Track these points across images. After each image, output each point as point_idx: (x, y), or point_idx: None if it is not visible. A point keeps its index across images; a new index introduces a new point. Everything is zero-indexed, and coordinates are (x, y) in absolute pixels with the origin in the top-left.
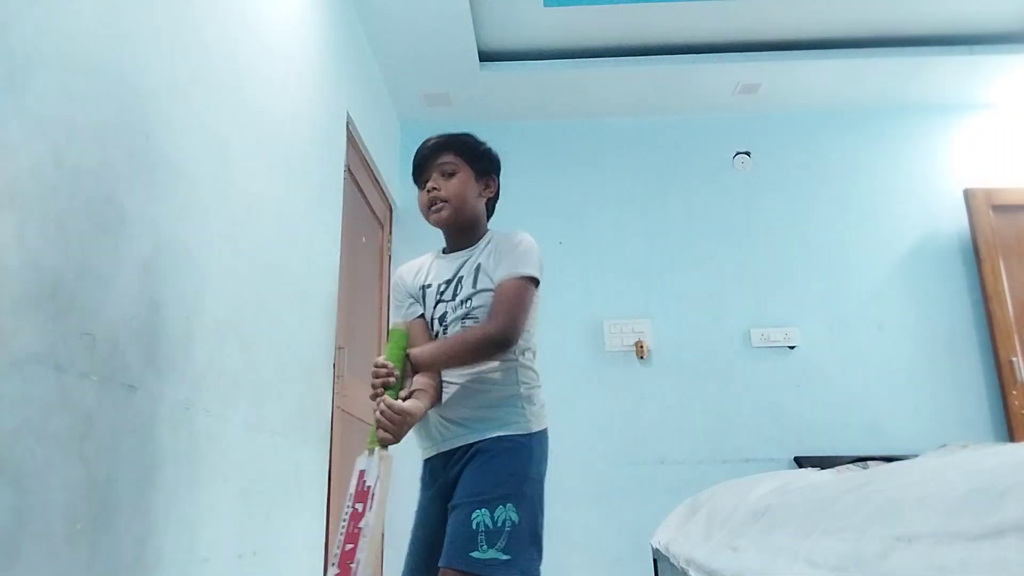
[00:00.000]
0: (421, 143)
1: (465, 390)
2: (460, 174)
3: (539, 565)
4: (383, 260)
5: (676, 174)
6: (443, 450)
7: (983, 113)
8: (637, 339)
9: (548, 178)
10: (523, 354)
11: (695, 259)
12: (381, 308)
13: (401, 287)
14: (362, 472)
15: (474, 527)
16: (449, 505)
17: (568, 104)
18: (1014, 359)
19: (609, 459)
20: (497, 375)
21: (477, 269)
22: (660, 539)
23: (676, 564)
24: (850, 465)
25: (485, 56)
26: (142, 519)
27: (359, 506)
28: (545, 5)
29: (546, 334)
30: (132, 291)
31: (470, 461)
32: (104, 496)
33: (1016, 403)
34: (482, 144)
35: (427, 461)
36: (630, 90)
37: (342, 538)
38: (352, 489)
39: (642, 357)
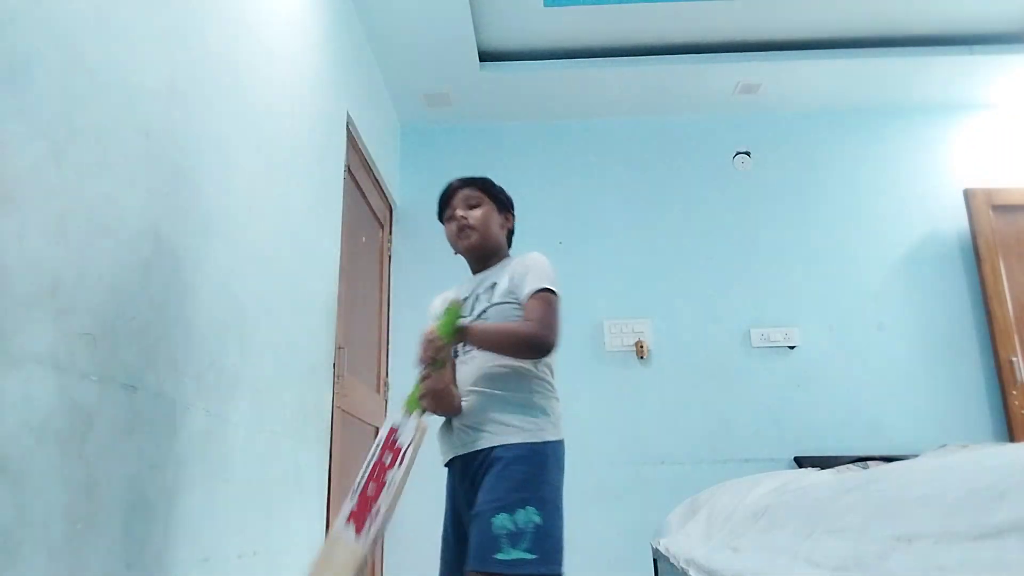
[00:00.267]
0: (447, 184)
1: (484, 397)
2: (484, 206)
3: (562, 569)
4: (383, 260)
5: (676, 174)
6: (460, 453)
7: (983, 113)
8: (637, 339)
9: (548, 178)
10: (540, 366)
11: (695, 259)
12: (381, 308)
13: (432, 313)
14: (394, 428)
15: (495, 531)
16: (471, 514)
17: (568, 104)
18: (1014, 359)
19: (609, 459)
20: (515, 384)
21: (492, 286)
22: (660, 539)
23: (676, 564)
24: (850, 465)
25: (485, 56)
26: (142, 519)
27: (388, 457)
28: (545, 5)
29: None
30: (132, 291)
31: (489, 468)
32: (104, 496)
33: (1016, 403)
34: (498, 185)
35: (448, 466)
36: (630, 90)
37: (362, 478)
38: (380, 439)
39: (642, 357)
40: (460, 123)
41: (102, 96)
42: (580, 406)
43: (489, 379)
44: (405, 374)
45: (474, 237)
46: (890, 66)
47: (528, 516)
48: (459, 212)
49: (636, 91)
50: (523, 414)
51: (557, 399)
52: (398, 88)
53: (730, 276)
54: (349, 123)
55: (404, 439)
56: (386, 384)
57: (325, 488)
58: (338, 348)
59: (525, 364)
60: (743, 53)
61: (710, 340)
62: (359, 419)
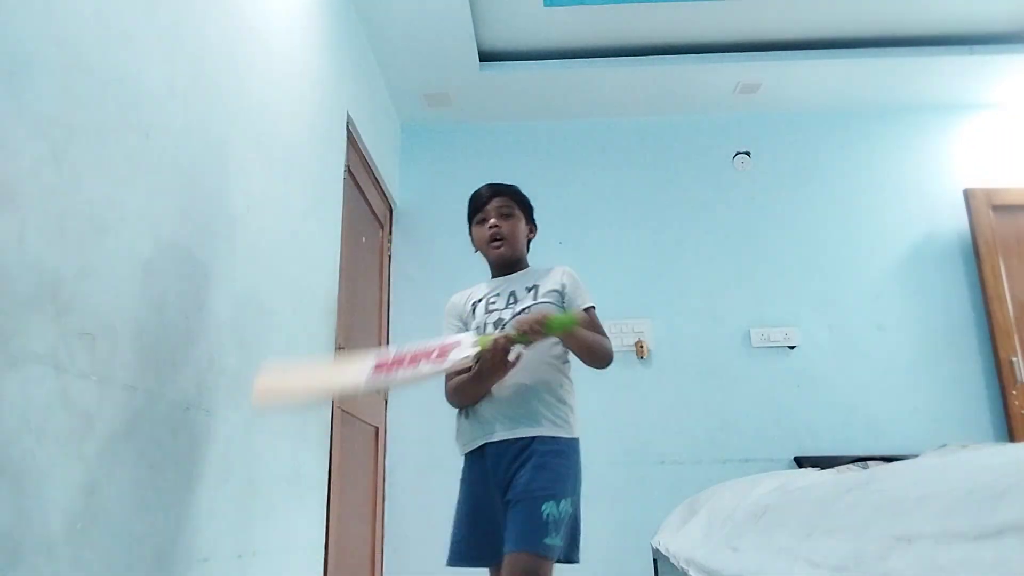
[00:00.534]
0: (478, 189)
1: (528, 389)
2: (515, 216)
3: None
4: (383, 260)
5: (676, 174)
6: (493, 440)
7: (983, 113)
8: (637, 339)
9: (548, 178)
10: (568, 367)
11: (695, 259)
12: (381, 308)
13: (453, 311)
14: (457, 343)
15: (544, 517)
16: (509, 497)
17: (568, 104)
18: (1014, 359)
19: (609, 459)
20: (556, 381)
21: (536, 288)
22: (660, 539)
23: (676, 564)
24: (850, 465)
25: (485, 56)
26: (142, 519)
27: (434, 354)
28: (545, 5)
29: None
30: (132, 291)
31: (528, 459)
32: (104, 496)
33: (1016, 403)
34: (526, 196)
35: (475, 452)
36: (630, 90)
37: (405, 350)
38: (440, 341)
39: (642, 357)
40: (460, 123)
41: (102, 96)
42: (580, 406)
43: (534, 373)
44: None
45: (504, 247)
46: (890, 66)
47: (565, 507)
48: (493, 220)
49: (636, 91)
50: (560, 410)
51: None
52: (398, 88)
53: (730, 276)
54: (349, 123)
55: (456, 353)
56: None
57: (325, 488)
58: (338, 348)
59: (564, 360)
60: (743, 53)
61: (710, 340)
62: (359, 419)
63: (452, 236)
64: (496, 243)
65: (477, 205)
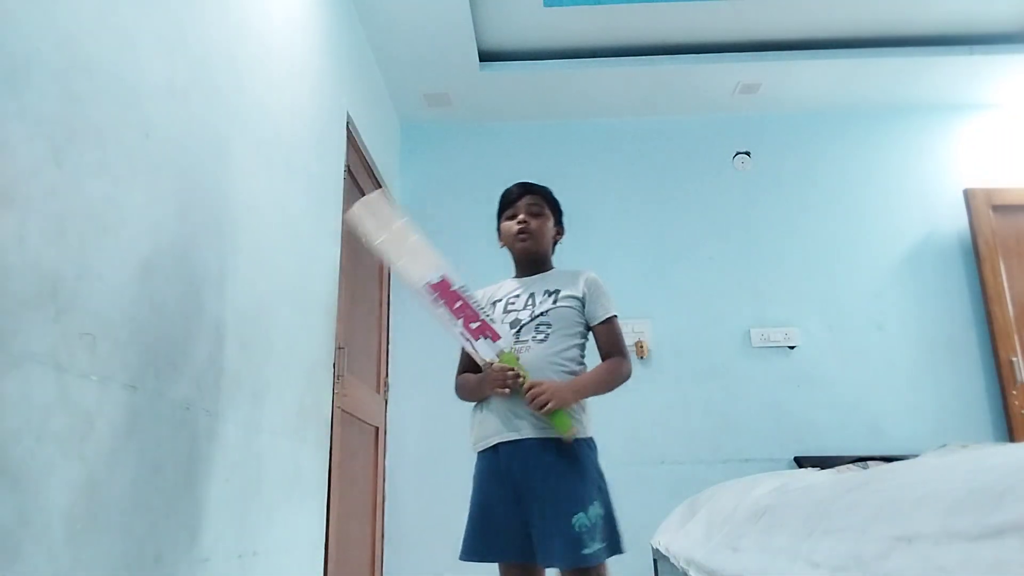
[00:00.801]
0: (512, 186)
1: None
2: (544, 216)
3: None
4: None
5: (676, 174)
6: (507, 440)
7: (983, 113)
8: (637, 339)
9: (548, 178)
10: (583, 367)
11: (695, 259)
12: (381, 308)
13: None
14: (493, 334)
15: (577, 530)
16: (534, 510)
17: (568, 104)
18: (1014, 359)
19: (609, 459)
20: (568, 380)
21: (557, 292)
22: (660, 539)
23: (676, 564)
24: (850, 465)
25: (485, 56)
26: (142, 519)
27: (473, 325)
28: (545, 5)
29: None
30: (132, 291)
31: (546, 465)
32: (104, 496)
33: (1016, 403)
34: (557, 199)
35: (489, 450)
36: (630, 90)
37: (463, 289)
38: (487, 314)
39: (642, 357)
40: (460, 123)
41: (102, 96)
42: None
43: (551, 373)
44: (405, 374)
45: (530, 243)
46: (890, 66)
47: (596, 511)
48: (522, 216)
49: (636, 91)
50: (578, 409)
51: None
52: (398, 88)
53: (730, 276)
54: (349, 123)
55: (481, 346)
56: (386, 384)
57: (325, 488)
58: (338, 348)
59: (579, 363)
60: (743, 53)
61: (710, 340)
62: (359, 419)
63: (452, 236)
64: (522, 236)
65: (508, 201)
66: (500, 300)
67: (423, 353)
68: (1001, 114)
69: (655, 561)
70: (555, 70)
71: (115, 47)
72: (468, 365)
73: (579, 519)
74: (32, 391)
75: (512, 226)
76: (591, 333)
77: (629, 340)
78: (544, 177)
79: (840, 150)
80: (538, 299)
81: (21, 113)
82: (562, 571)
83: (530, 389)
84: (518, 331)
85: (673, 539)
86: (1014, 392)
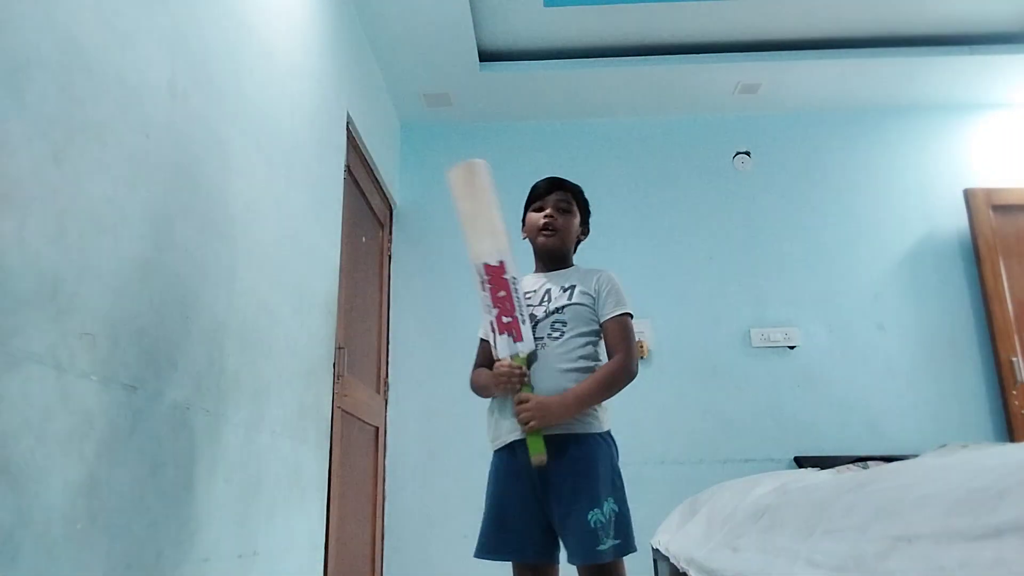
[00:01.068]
0: (541, 179)
1: (554, 388)
2: (572, 213)
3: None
4: (383, 260)
5: (676, 174)
6: (524, 438)
7: (983, 113)
8: (637, 339)
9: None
10: (598, 363)
11: (695, 259)
12: (381, 308)
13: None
14: (518, 333)
15: (593, 526)
16: (556, 504)
17: (568, 104)
18: (1014, 359)
19: None
20: (585, 375)
21: (572, 288)
22: (660, 539)
23: (676, 564)
24: (850, 465)
25: (485, 56)
26: (142, 519)
27: (504, 319)
28: (545, 5)
29: None
30: (132, 291)
31: (563, 462)
32: (104, 496)
33: (1016, 403)
34: (587, 199)
35: (505, 448)
36: (630, 90)
37: (514, 281)
38: (520, 312)
39: (642, 357)
40: (460, 123)
41: (102, 96)
42: None
43: (564, 374)
44: (405, 374)
45: (554, 239)
46: (890, 66)
47: (610, 507)
48: (549, 210)
49: (636, 91)
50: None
51: None
52: (398, 88)
53: (730, 276)
54: (349, 123)
55: (501, 341)
56: (386, 384)
57: (325, 488)
58: (338, 348)
59: (594, 359)
60: (743, 53)
61: (710, 340)
62: (359, 419)
63: (452, 236)
64: (547, 231)
65: (537, 194)
66: None
67: (423, 353)
68: (1001, 114)
69: (655, 561)
70: (555, 70)
71: (115, 47)
72: (484, 360)
73: (594, 515)
74: (32, 391)
75: (538, 219)
76: None
77: None
78: (544, 177)
79: (840, 150)
80: (554, 294)
81: (21, 113)
82: (579, 567)
83: (520, 402)
84: (534, 327)
85: (673, 539)
86: (1014, 392)
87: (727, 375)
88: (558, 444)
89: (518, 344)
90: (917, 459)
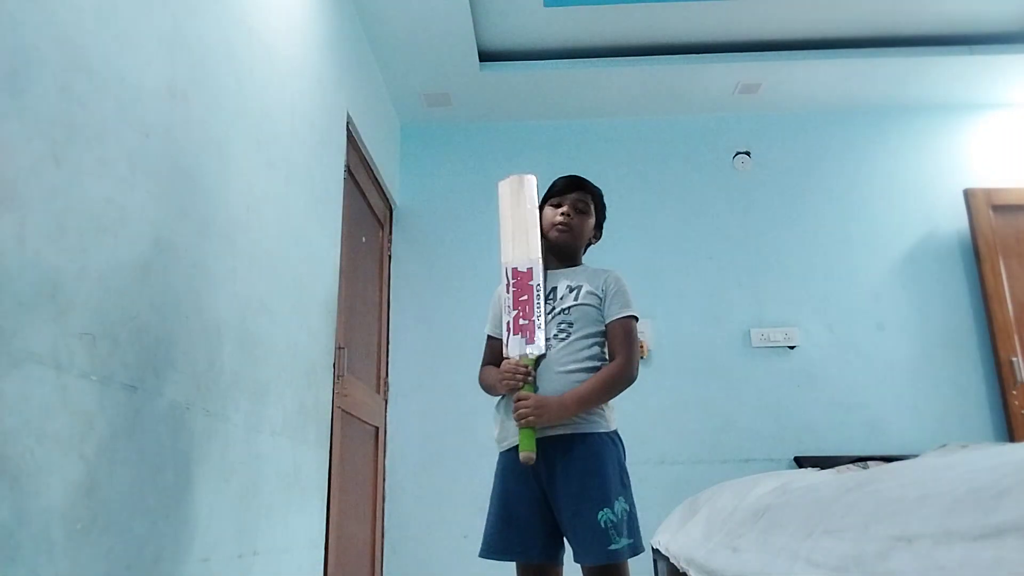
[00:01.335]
0: (563, 176)
1: (564, 387)
2: (588, 214)
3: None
4: (383, 260)
5: (676, 174)
6: (539, 436)
7: (983, 113)
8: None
9: (548, 178)
10: (604, 363)
11: (695, 259)
12: (381, 308)
13: (500, 303)
14: (531, 337)
15: (603, 526)
16: (562, 507)
17: (568, 104)
18: (1014, 359)
19: None
20: (590, 375)
21: (579, 288)
22: (660, 539)
23: (676, 564)
24: (850, 465)
25: (485, 56)
26: (142, 519)
27: (519, 320)
28: (545, 5)
29: None
30: (132, 291)
31: (571, 462)
32: (104, 496)
33: (1016, 403)
34: (605, 203)
35: (511, 449)
36: (630, 90)
37: (537, 290)
38: (537, 317)
39: (642, 357)
40: (460, 123)
41: (102, 96)
42: None
43: (573, 370)
44: (405, 374)
45: (566, 237)
46: (890, 66)
47: (621, 506)
48: (566, 209)
49: (636, 91)
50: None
51: None
52: (398, 88)
53: (730, 276)
54: (349, 123)
55: (513, 342)
56: (386, 384)
57: (325, 488)
58: (338, 348)
59: (600, 359)
60: (743, 53)
61: (710, 340)
62: (359, 419)
63: (452, 236)
64: (561, 228)
65: (557, 190)
66: None
67: (423, 353)
68: (1001, 114)
69: (655, 561)
70: (555, 70)
71: (115, 47)
72: (492, 358)
73: (604, 515)
74: (32, 391)
75: (554, 216)
76: None
77: None
78: (544, 177)
79: (840, 150)
80: (560, 293)
81: (21, 113)
82: (585, 568)
83: (520, 399)
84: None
85: (673, 539)
86: (1014, 392)
87: (727, 375)
88: (565, 443)
89: (529, 346)
90: (917, 459)
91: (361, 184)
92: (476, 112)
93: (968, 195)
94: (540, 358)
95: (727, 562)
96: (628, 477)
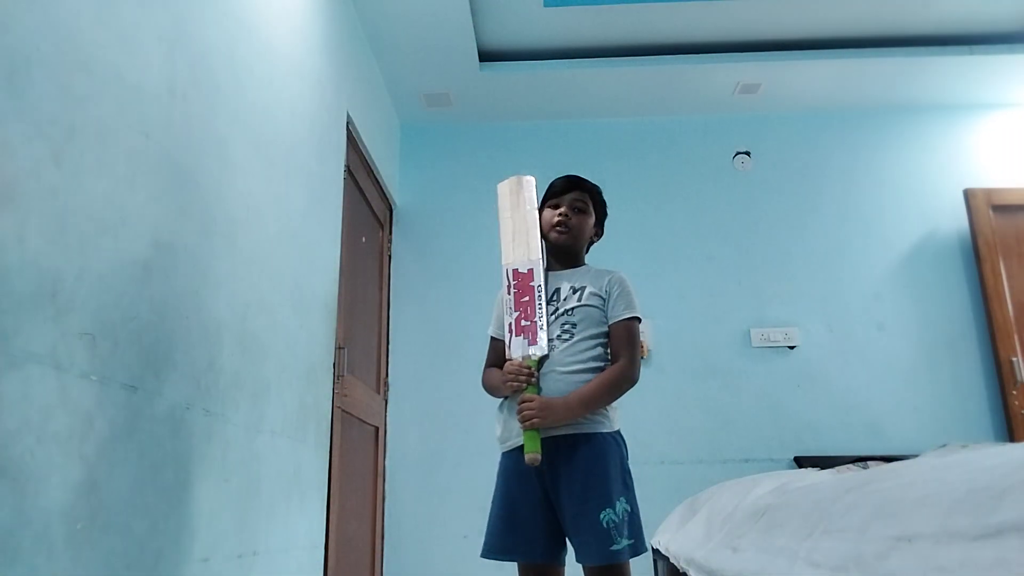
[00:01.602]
0: (560, 176)
1: (568, 388)
2: (586, 213)
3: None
4: (383, 260)
5: (676, 174)
6: (542, 436)
7: (983, 113)
8: None
9: (548, 178)
10: (607, 363)
11: (695, 259)
12: (381, 308)
13: (502, 304)
14: (533, 339)
15: (605, 526)
16: (565, 507)
17: (568, 104)
18: (1014, 359)
19: None
20: (593, 376)
21: (583, 289)
22: (660, 539)
23: (676, 564)
24: (850, 465)
25: (485, 56)
26: (142, 519)
27: (522, 322)
28: (545, 5)
29: None
30: (132, 291)
31: (573, 462)
32: (104, 496)
33: (1016, 403)
34: (605, 201)
35: (515, 450)
36: (630, 90)
37: (537, 292)
38: (539, 317)
39: (642, 357)
40: (460, 123)
41: (102, 96)
42: None
43: (577, 371)
44: (405, 374)
45: (566, 237)
46: (890, 66)
47: (623, 507)
48: (564, 209)
49: (636, 91)
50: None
51: None
52: (398, 88)
53: (730, 276)
54: (349, 123)
55: (516, 343)
56: (386, 384)
57: (325, 488)
58: (338, 348)
59: (603, 359)
60: (743, 53)
61: (710, 340)
62: (359, 419)
63: (452, 236)
64: (560, 228)
65: (554, 191)
66: None
67: (423, 353)
68: (1001, 114)
69: (655, 561)
70: (555, 70)
71: (115, 47)
72: (495, 360)
73: (607, 515)
74: (32, 391)
75: (552, 217)
76: None
77: None
78: (544, 177)
79: (840, 150)
80: (563, 294)
81: (21, 113)
82: (588, 567)
83: (524, 400)
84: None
85: (673, 539)
86: (1014, 392)
87: (727, 375)
88: (568, 443)
89: (532, 347)
90: (917, 459)
91: (361, 184)
92: (476, 112)
93: (968, 195)
94: (543, 359)
95: (727, 562)
96: (631, 478)
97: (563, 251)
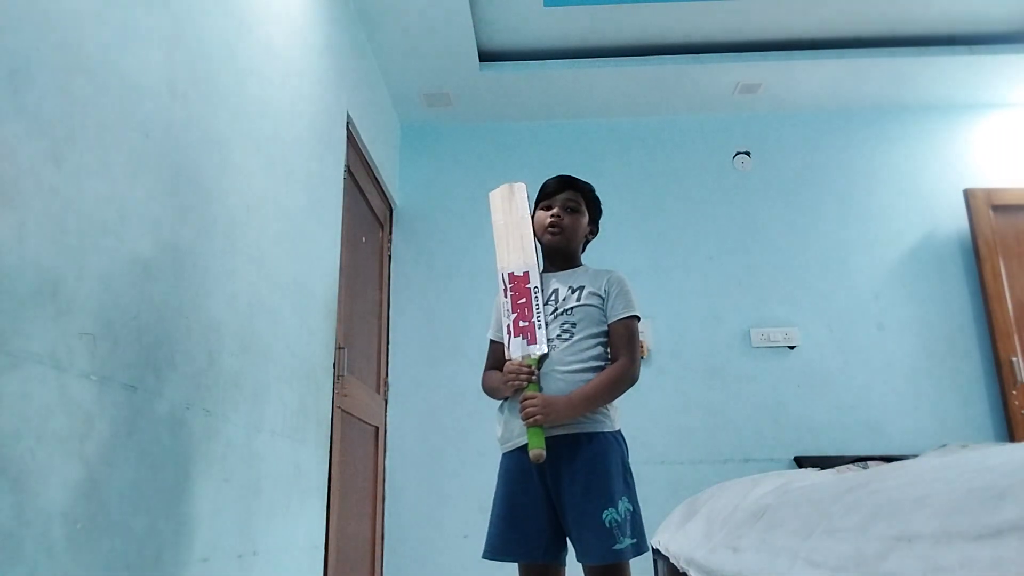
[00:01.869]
0: (552, 177)
1: (568, 387)
2: (579, 212)
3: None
4: (383, 260)
5: (676, 174)
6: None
7: (983, 113)
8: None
9: (547, 178)
10: (607, 363)
11: (695, 259)
12: (381, 308)
13: (500, 307)
14: (531, 338)
15: (608, 525)
16: (567, 507)
17: (568, 104)
18: (1014, 359)
19: None
20: (594, 375)
21: (581, 288)
22: (660, 539)
23: (676, 564)
24: (850, 465)
25: (485, 56)
26: (142, 519)
27: (519, 323)
28: (545, 5)
29: None
30: (132, 291)
31: (574, 462)
32: (104, 496)
33: (1016, 403)
34: (598, 198)
35: (516, 450)
36: (630, 90)
37: (535, 293)
38: (537, 317)
39: (642, 357)
40: (460, 123)
41: (102, 96)
42: None
43: (577, 370)
44: (405, 374)
45: (559, 238)
46: (890, 66)
47: (625, 506)
48: (556, 210)
49: (636, 91)
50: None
51: None
52: (398, 88)
53: (730, 276)
54: (349, 123)
55: (514, 344)
56: (386, 384)
57: (325, 488)
58: (338, 348)
59: (603, 359)
60: (743, 53)
61: (710, 340)
62: (359, 419)
63: (452, 236)
64: (553, 230)
65: (546, 192)
66: None
67: (423, 353)
68: (1001, 114)
69: (655, 561)
70: (555, 70)
71: (115, 47)
72: (495, 362)
73: (609, 514)
74: (32, 391)
75: (545, 218)
76: None
77: None
78: (544, 177)
79: (840, 150)
80: (562, 295)
81: (21, 113)
82: (590, 567)
83: (527, 398)
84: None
85: (673, 539)
86: (1014, 392)
87: (727, 375)
88: (569, 443)
89: (531, 347)
90: (917, 459)
91: (361, 184)
92: (476, 112)
93: (968, 195)
94: (543, 358)
95: (727, 562)
96: (632, 477)
97: (558, 252)
